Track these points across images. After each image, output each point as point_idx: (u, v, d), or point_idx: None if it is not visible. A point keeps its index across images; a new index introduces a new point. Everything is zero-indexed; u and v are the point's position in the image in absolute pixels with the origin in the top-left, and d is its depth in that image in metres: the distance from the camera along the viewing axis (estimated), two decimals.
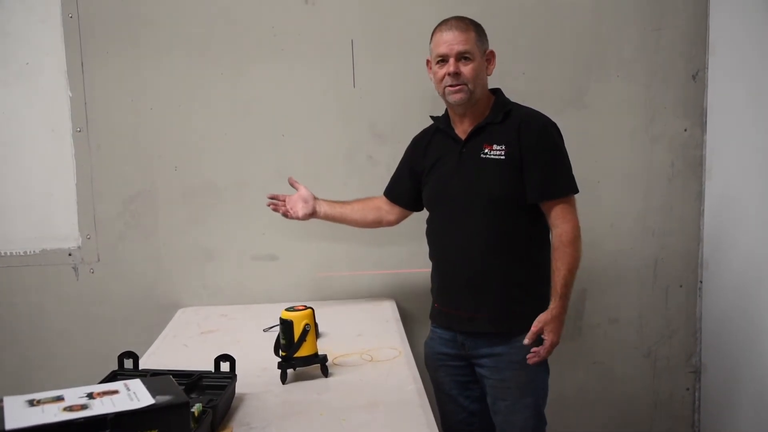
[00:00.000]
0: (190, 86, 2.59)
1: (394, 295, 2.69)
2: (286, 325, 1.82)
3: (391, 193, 2.34)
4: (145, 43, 2.57)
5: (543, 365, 2.04)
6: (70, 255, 2.63)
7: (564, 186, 2.00)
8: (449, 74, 1.98)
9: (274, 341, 1.90)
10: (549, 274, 2.00)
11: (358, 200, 2.40)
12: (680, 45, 2.67)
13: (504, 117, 2.02)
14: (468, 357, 2.09)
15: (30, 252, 2.63)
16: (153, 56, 2.57)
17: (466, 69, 1.98)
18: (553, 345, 1.97)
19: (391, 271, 2.70)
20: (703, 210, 2.74)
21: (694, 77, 2.69)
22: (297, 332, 1.81)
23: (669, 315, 2.81)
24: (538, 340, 1.97)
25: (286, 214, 2.35)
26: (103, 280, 2.65)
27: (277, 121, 2.63)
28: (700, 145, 2.72)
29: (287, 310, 1.84)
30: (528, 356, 1.97)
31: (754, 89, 2.42)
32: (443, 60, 2.00)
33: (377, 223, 2.38)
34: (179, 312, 2.60)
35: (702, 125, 2.71)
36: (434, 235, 2.15)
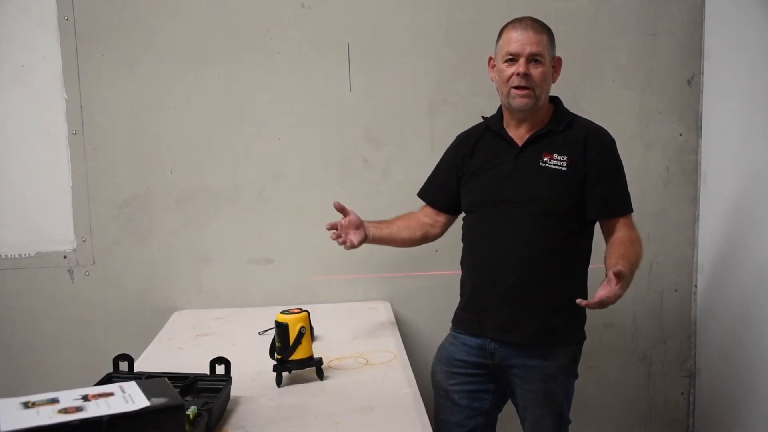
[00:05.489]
0: (186, 89, 2.59)
1: (389, 298, 2.70)
2: (281, 328, 1.82)
3: (437, 201, 2.18)
4: (141, 46, 2.56)
5: (574, 372, 2.02)
6: (65, 258, 2.62)
7: (627, 205, 2.00)
8: (518, 74, 1.89)
9: (269, 344, 1.90)
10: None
11: (399, 218, 2.21)
12: (675, 50, 2.68)
13: (566, 127, 1.97)
14: (494, 366, 2.01)
15: (25, 255, 2.62)
16: (149, 59, 2.57)
17: (536, 72, 1.90)
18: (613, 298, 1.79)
19: (387, 274, 2.70)
20: (698, 215, 2.75)
21: (689, 82, 2.70)
22: (292, 335, 1.81)
23: (664, 319, 2.81)
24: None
25: (342, 243, 2.07)
26: (99, 283, 2.64)
27: (273, 125, 2.63)
28: (695, 150, 2.73)
29: (283, 313, 1.84)
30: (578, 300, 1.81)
31: (749, 94, 2.42)
32: (512, 59, 1.91)
33: (424, 239, 2.21)
34: (175, 315, 2.59)
35: (697, 130, 2.72)
36: (474, 238, 2.06)
